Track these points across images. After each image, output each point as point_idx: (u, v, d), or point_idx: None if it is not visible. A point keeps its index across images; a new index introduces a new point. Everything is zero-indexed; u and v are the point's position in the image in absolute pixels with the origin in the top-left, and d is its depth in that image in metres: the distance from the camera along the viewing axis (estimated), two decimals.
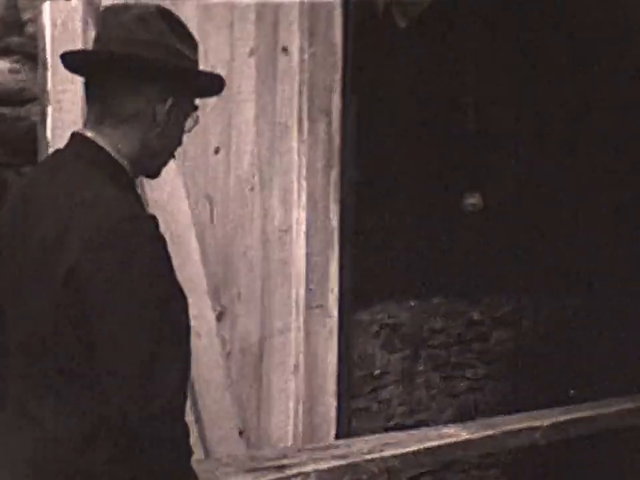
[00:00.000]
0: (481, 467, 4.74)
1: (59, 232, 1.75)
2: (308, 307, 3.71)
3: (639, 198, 5.26)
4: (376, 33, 4.03)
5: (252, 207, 3.58)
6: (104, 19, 1.90)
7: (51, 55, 2.98)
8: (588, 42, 4.91)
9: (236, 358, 3.54)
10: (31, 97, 3.04)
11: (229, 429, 3.47)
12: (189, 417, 3.12)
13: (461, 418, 4.46)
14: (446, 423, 4.31)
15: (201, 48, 2.01)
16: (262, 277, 3.61)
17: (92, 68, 1.90)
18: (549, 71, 4.88)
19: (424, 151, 4.47)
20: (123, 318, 1.70)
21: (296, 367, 3.70)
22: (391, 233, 4.38)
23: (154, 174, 1.99)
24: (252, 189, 3.57)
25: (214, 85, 2.02)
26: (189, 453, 1.81)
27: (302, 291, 3.70)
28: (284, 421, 3.69)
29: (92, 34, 2.96)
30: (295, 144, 3.66)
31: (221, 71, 3.06)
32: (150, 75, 1.86)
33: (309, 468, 3.18)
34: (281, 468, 3.17)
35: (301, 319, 3.70)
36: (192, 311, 1.88)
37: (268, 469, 3.16)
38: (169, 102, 1.88)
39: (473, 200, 4.66)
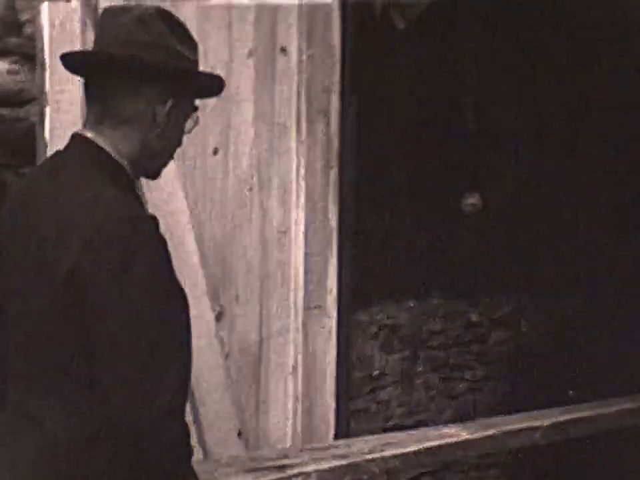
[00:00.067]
0: (480, 467, 4.75)
1: (59, 232, 1.75)
2: (307, 307, 3.71)
3: (639, 198, 5.26)
4: (375, 33, 4.03)
5: (251, 208, 3.57)
6: (104, 20, 1.90)
7: (49, 56, 2.98)
8: (588, 42, 4.91)
9: (235, 358, 3.54)
10: (29, 98, 3.04)
11: (227, 430, 3.47)
12: (188, 418, 3.12)
13: (459, 419, 4.46)
14: (445, 423, 4.31)
15: (200, 49, 2.01)
16: (261, 277, 3.61)
17: (92, 69, 1.90)
18: (549, 71, 4.88)
19: (423, 151, 4.47)
20: (123, 318, 1.71)
21: (294, 367, 3.70)
22: (390, 234, 4.38)
23: (154, 175, 1.99)
24: (250, 189, 3.57)
25: (214, 85, 2.03)
26: (190, 453, 1.81)
27: (301, 292, 3.70)
28: (283, 421, 3.69)
29: (90, 35, 2.97)
30: (293, 144, 3.66)
31: (219, 71, 3.06)
32: (150, 76, 1.86)
33: (309, 468, 3.18)
34: (282, 468, 3.17)
35: (300, 319, 3.70)
36: (191, 312, 1.88)
37: (269, 469, 3.16)
38: (169, 103, 1.88)
39: (472, 200, 4.66)
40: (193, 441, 1.84)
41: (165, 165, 1.98)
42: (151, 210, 2.99)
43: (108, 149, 1.86)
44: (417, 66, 4.40)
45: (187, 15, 3.18)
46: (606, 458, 4.79)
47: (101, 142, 1.86)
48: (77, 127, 2.92)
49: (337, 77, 3.76)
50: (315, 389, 3.77)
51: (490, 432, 3.78)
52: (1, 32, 3.00)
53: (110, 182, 1.81)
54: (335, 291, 3.80)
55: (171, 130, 1.91)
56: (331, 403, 3.83)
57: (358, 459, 3.32)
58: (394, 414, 4.43)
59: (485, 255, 4.73)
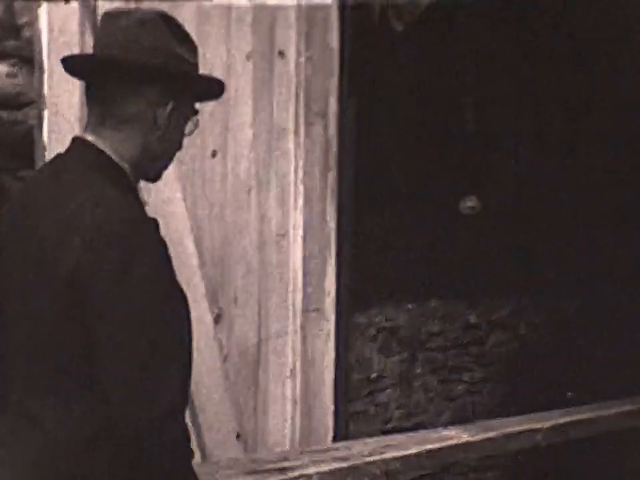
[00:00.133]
0: (479, 469, 4.74)
1: (60, 233, 1.75)
2: (305, 310, 3.71)
3: (639, 198, 5.26)
4: (373, 36, 4.03)
5: (249, 210, 3.58)
6: (105, 23, 1.91)
7: (48, 59, 2.99)
8: (588, 42, 4.91)
9: (233, 361, 3.54)
10: (27, 101, 3.04)
11: (226, 432, 3.47)
12: (186, 420, 3.12)
13: (458, 421, 4.46)
14: (443, 426, 4.31)
15: (198, 51, 2.02)
16: (259, 279, 3.61)
17: (93, 72, 1.91)
18: (549, 71, 4.88)
19: (422, 153, 4.47)
20: (123, 318, 1.71)
21: (293, 370, 3.70)
22: (388, 236, 4.38)
23: (154, 177, 1.99)
24: (249, 191, 3.57)
25: (214, 88, 2.03)
26: (190, 454, 1.82)
27: (299, 294, 3.70)
28: (281, 424, 3.69)
29: (89, 38, 2.98)
30: (292, 147, 3.66)
31: (218, 74, 3.06)
32: (151, 79, 1.87)
33: (310, 470, 3.19)
34: (283, 470, 3.18)
35: (298, 322, 3.70)
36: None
37: (269, 471, 3.17)
38: (170, 106, 1.88)
39: (470, 203, 4.67)
40: (192, 443, 1.84)
41: (165, 167, 1.99)
42: (149, 212, 2.99)
43: (108, 151, 1.86)
44: (415, 68, 4.40)
45: (185, 17, 3.18)
46: (606, 460, 4.79)
47: (101, 145, 1.86)
48: (75, 129, 2.95)
49: (335, 80, 3.76)
50: (314, 391, 3.77)
51: (491, 434, 3.78)
52: None
53: (110, 184, 1.82)
54: (333, 293, 3.80)
55: (172, 133, 1.92)
56: (330, 406, 3.83)
57: (358, 461, 3.33)
58: (392, 416, 4.44)
59: (483, 257, 4.74)
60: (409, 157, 4.42)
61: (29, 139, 3.03)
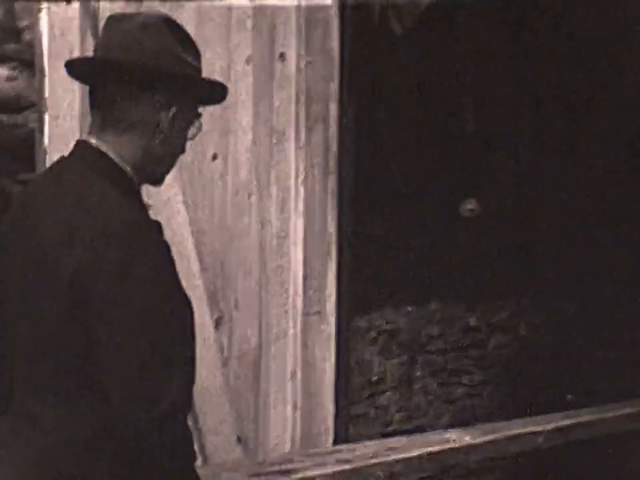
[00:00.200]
0: (479, 471, 4.74)
1: (61, 234, 1.76)
2: (305, 313, 3.71)
3: (639, 198, 5.26)
4: (373, 36, 4.03)
5: (249, 214, 3.58)
6: (108, 27, 1.91)
7: (48, 62, 2.99)
8: (588, 42, 4.91)
9: (234, 364, 3.54)
10: (28, 104, 3.05)
11: (226, 436, 3.47)
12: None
13: (458, 424, 4.46)
14: (443, 428, 4.31)
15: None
16: (260, 283, 3.61)
17: (96, 76, 1.91)
18: (549, 71, 4.88)
19: (422, 155, 4.47)
20: (123, 319, 1.71)
21: (294, 373, 3.70)
22: (388, 239, 4.38)
23: (157, 181, 1.99)
24: (249, 195, 3.57)
25: (217, 92, 2.03)
26: (192, 456, 1.81)
27: (300, 298, 3.70)
28: (282, 427, 3.69)
29: (89, 41, 2.98)
30: (292, 150, 3.66)
31: (218, 78, 3.06)
32: (154, 83, 1.87)
33: (314, 472, 3.20)
34: (286, 473, 3.18)
35: (299, 325, 3.70)
36: None
37: (273, 473, 3.18)
38: (173, 109, 1.89)
39: (470, 206, 4.67)
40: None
41: (168, 171, 1.98)
42: (151, 216, 2.99)
43: (112, 155, 1.86)
44: (415, 68, 4.40)
45: (185, 21, 3.18)
46: (605, 462, 4.79)
47: (104, 148, 1.86)
48: (76, 133, 2.95)
49: (335, 83, 3.76)
50: (314, 394, 3.77)
51: (492, 437, 3.79)
52: None
53: (113, 186, 1.82)
54: (333, 296, 3.80)
55: (175, 136, 1.92)
56: (330, 408, 3.83)
57: (362, 464, 3.33)
58: (393, 419, 4.43)
59: (483, 259, 4.74)
60: (408, 159, 4.42)
61: (29, 142, 3.03)
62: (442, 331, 4.64)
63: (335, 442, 3.83)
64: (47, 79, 2.98)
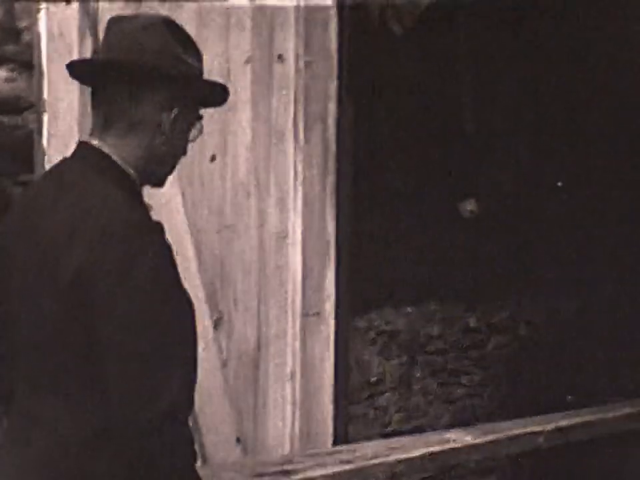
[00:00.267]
0: (479, 472, 4.74)
1: (64, 236, 1.76)
2: (304, 313, 3.71)
3: (639, 198, 5.26)
4: (372, 36, 4.03)
5: (248, 214, 3.58)
6: (110, 28, 1.92)
7: (47, 63, 2.99)
8: (588, 42, 4.91)
9: (233, 364, 3.54)
10: (27, 105, 3.05)
11: (226, 436, 3.47)
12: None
13: (457, 424, 4.46)
14: (443, 429, 4.31)
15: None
16: (258, 283, 3.61)
17: (97, 77, 1.91)
18: (549, 71, 4.88)
19: (421, 156, 4.47)
20: (124, 319, 1.72)
21: (292, 373, 3.70)
22: (388, 239, 4.38)
23: (159, 182, 2.00)
24: (248, 195, 3.58)
25: (218, 94, 2.04)
26: (193, 456, 1.81)
27: (298, 298, 3.70)
28: (281, 427, 3.69)
29: (88, 42, 2.98)
30: (291, 150, 3.66)
31: (217, 78, 3.06)
32: (155, 84, 1.87)
33: (315, 473, 3.20)
34: (287, 473, 3.18)
35: (298, 325, 3.70)
36: None
37: (274, 474, 3.18)
38: (175, 111, 1.89)
39: (470, 206, 4.67)
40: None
41: (169, 173, 1.99)
42: (153, 216, 2.99)
43: (113, 156, 1.87)
44: (414, 68, 4.40)
45: (185, 21, 3.18)
46: (606, 462, 4.79)
47: (106, 149, 1.87)
48: (75, 134, 2.95)
49: (334, 83, 3.76)
50: (313, 394, 3.77)
51: (493, 437, 3.79)
52: None
53: (115, 187, 1.82)
54: (332, 296, 3.80)
55: (176, 138, 1.93)
56: (329, 409, 3.82)
57: (363, 464, 3.33)
58: (392, 419, 4.44)
59: (483, 260, 4.74)
60: (408, 158, 4.42)
61: (28, 143, 3.03)
62: (442, 331, 4.64)
63: (334, 442, 3.83)
64: (46, 80, 2.99)
